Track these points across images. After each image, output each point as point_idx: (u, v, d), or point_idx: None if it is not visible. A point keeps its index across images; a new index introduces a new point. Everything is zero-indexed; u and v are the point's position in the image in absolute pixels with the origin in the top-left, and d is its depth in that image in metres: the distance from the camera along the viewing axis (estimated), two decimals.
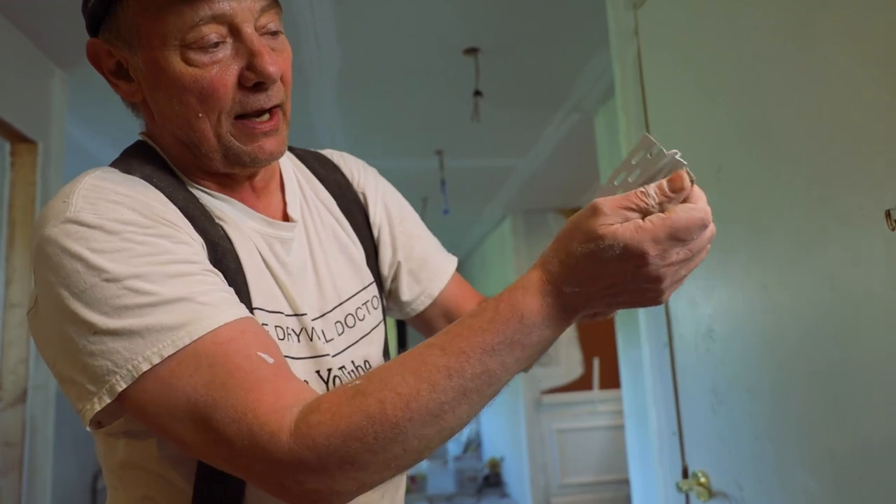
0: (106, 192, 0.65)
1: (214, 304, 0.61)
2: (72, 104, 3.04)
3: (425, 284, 0.96)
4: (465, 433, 7.63)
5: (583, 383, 5.74)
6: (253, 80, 0.68)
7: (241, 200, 0.78)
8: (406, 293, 0.95)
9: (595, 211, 0.58)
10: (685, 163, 0.57)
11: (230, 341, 0.59)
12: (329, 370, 0.77)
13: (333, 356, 0.79)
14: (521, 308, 0.59)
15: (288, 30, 0.86)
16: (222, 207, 0.76)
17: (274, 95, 0.71)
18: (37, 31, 2.59)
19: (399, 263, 0.94)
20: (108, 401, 0.59)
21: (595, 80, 3.27)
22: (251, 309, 0.71)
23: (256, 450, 0.56)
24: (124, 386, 0.58)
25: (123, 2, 0.68)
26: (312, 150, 0.97)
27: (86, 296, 0.59)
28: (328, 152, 0.97)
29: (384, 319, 0.93)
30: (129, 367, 0.58)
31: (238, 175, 0.77)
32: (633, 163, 0.58)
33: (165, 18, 0.65)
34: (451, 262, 1.01)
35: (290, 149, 0.92)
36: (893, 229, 0.98)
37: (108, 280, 0.59)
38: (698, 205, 0.59)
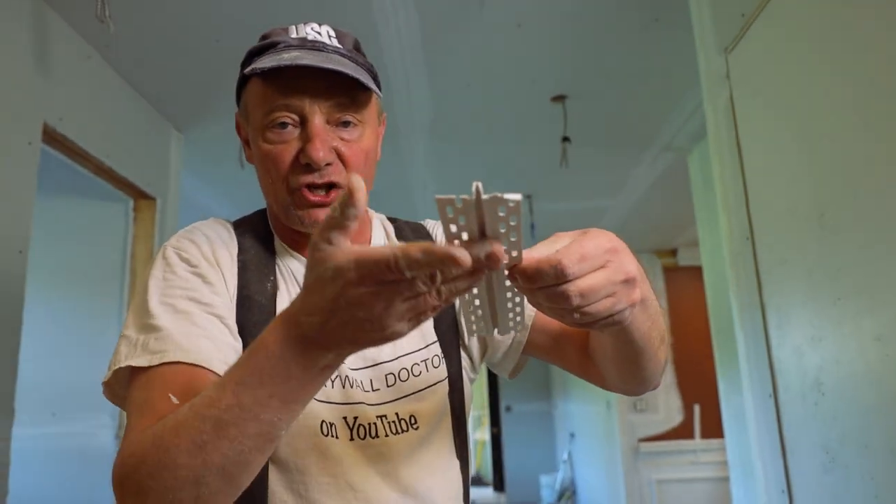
0: (193, 233, 0.87)
1: (182, 346, 0.74)
2: (185, 162, 3.29)
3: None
4: (559, 479, 7.43)
5: (683, 431, 5.48)
6: (304, 161, 0.81)
7: None
8: (500, 343, 0.95)
9: (315, 244, 0.55)
10: (498, 195, 0.49)
11: (164, 377, 0.72)
12: (356, 418, 0.82)
13: (371, 405, 0.84)
14: (265, 339, 0.60)
15: (381, 86, 0.94)
16: (292, 264, 0.89)
17: (327, 175, 0.82)
18: (156, 97, 2.85)
19: None
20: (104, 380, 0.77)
21: (685, 120, 3.22)
22: None
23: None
24: (109, 376, 0.76)
25: (245, 89, 0.86)
26: (415, 221, 1.03)
27: (134, 303, 0.81)
28: (428, 222, 1.03)
29: (458, 380, 0.93)
30: (117, 365, 0.75)
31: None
32: (454, 219, 0.51)
33: (259, 103, 0.83)
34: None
35: (393, 220, 1.02)
36: None
37: (144, 301, 0.79)
38: (433, 246, 0.50)
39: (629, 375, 0.83)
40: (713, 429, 5.05)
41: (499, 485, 9.23)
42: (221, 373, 0.74)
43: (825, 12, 1.42)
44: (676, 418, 5.52)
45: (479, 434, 11.44)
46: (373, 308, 0.53)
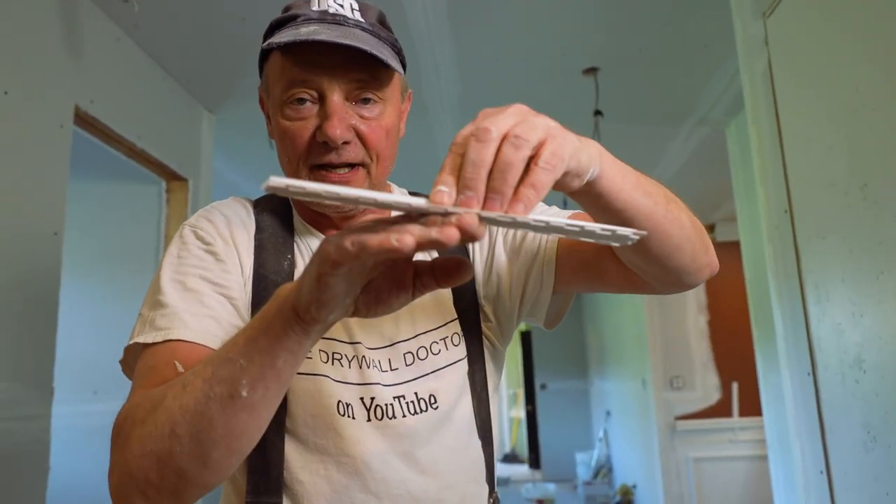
0: (211, 212, 0.86)
1: (187, 324, 0.74)
2: (218, 142, 3.32)
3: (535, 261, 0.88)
4: (595, 457, 7.41)
5: (721, 409, 5.40)
6: (321, 139, 0.79)
7: None
8: (532, 279, 0.88)
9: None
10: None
11: (171, 350, 0.72)
12: (373, 398, 0.81)
13: (387, 385, 0.83)
14: (268, 304, 0.60)
15: (408, 61, 0.91)
16: (311, 242, 0.88)
17: (345, 154, 0.80)
18: (186, 78, 2.86)
19: (505, 277, 0.90)
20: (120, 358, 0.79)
21: (721, 92, 3.12)
22: None
23: None
24: (123, 354, 0.77)
25: (266, 63, 0.85)
26: None
27: (151, 281, 0.81)
28: None
29: (479, 359, 0.90)
30: (128, 342, 0.76)
31: (333, 218, 0.88)
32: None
33: (278, 79, 0.81)
34: (560, 213, 0.90)
35: (416, 195, 0.96)
36: None
37: (157, 278, 0.79)
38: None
39: (662, 255, 0.72)
40: (752, 407, 4.97)
41: (534, 462, 9.26)
42: None
43: None
44: (714, 396, 5.44)
45: (514, 412, 11.48)
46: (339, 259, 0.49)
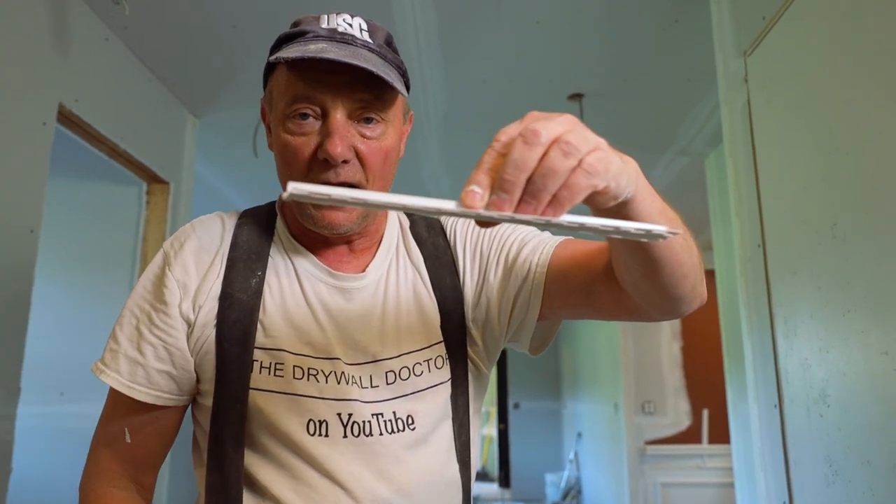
0: (187, 232, 0.88)
1: (122, 378, 0.84)
2: (201, 147, 3.30)
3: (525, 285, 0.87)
4: (565, 478, 7.42)
5: (690, 436, 5.44)
6: (322, 156, 0.79)
7: (328, 256, 0.89)
8: (519, 303, 0.87)
9: None
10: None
11: (123, 401, 0.85)
12: (350, 415, 0.81)
13: (366, 402, 0.82)
14: None
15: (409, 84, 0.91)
16: (293, 257, 0.88)
17: (343, 174, 0.80)
18: (173, 81, 2.86)
19: (495, 300, 0.89)
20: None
21: (703, 124, 3.18)
22: (251, 348, 0.83)
23: None
24: (92, 359, 0.87)
25: (272, 76, 0.85)
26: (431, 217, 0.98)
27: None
28: (444, 217, 0.98)
29: (462, 383, 0.90)
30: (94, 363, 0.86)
31: (326, 236, 0.87)
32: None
33: (282, 93, 0.81)
34: (550, 242, 0.88)
35: (410, 215, 0.98)
36: None
37: (126, 303, 0.87)
38: None
39: (670, 283, 0.71)
40: (721, 434, 5.01)
41: (504, 481, 9.23)
42: (153, 402, 0.85)
43: (847, 18, 1.39)
44: (684, 422, 5.48)
45: (486, 430, 11.45)
46: None
